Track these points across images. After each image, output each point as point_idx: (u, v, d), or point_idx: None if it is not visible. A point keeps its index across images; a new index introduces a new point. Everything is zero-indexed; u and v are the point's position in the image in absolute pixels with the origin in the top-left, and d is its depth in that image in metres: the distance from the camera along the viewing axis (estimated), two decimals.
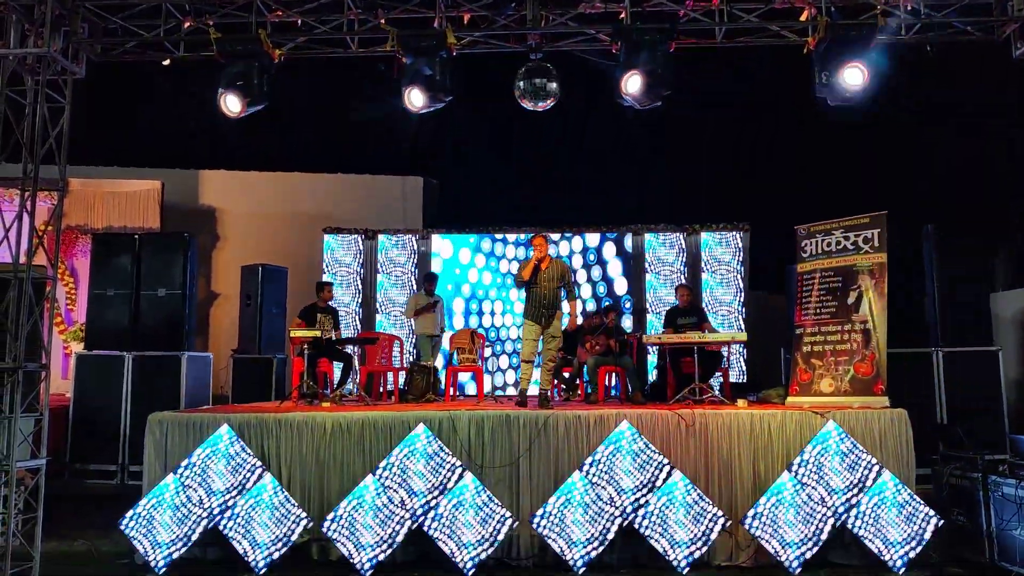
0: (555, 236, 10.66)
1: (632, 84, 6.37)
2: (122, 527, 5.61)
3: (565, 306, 6.83)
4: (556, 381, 8.10)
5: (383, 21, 6.59)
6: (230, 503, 5.63)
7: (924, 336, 7.91)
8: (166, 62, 6.82)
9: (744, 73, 9.64)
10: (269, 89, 6.64)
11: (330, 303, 8.41)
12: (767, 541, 5.44)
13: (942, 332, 7.83)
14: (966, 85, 9.16)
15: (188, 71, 7.23)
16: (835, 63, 6.35)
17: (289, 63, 6.85)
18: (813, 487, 5.54)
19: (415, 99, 6.57)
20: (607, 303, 9.90)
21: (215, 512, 5.60)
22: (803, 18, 6.50)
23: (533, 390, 6.96)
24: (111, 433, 8.35)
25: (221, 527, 5.57)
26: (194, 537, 5.57)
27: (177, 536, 5.56)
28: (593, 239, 10.63)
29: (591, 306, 10.32)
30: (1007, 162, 9.79)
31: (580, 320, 8.28)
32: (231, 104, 6.57)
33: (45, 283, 6.13)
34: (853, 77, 6.31)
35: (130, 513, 5.64)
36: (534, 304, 6.72)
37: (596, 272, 10.59)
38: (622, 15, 6.47)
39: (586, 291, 10.60)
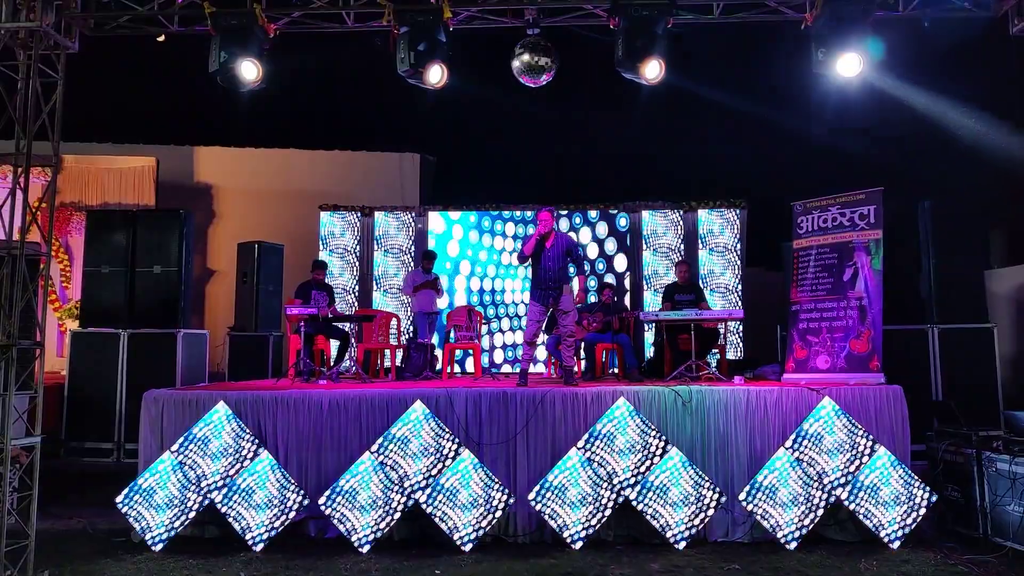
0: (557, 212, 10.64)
1: (651, 70, 6.28)
2: (118, 505, 5.63)
3: (574, 282, 6.74)
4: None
5: None
6: (227, 481, 5.65)
7: (919, 313, 7.93)
8: (161, 38, 6.73)
9: (740, 48, 9.56)
10: (266, 65, 6.56)
11: (325, 280, 8.39)
12: (763, 517, 5.48)
13: (938, 309, 7.84)
14: (963, 61, 9.09)
15: (182, 46, 7.13)
16: (833, 39, 6.28)
17: (284, 38, 6.77)
18: (809, 463, 5.57)
19: (432, 76, 6.46)
20: (606, 281, 9.89)
21: (211, 490, 5.62)
22: None
23: (533, 369, 6.95)
24: (106, 411, 8.36)
25: (218, 505, 5.59)
26: (191, 515, 5.59)
27: (173, 514, 5.58)
28: (590, 216, 10.60)
29: (592, 282, 10.32)
30: (1003, 138, 9.75)
31: (588, 295, 8.20)
32: (246, 72, 6.46)
33: (39, 260, 6.10)
34: (849, 65, 6.27)
35: (126, 491, 5.66)
36: (539, 283, 6.61)
37: (593, 249, 10.57)
38: None
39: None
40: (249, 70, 6.44)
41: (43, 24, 5.75)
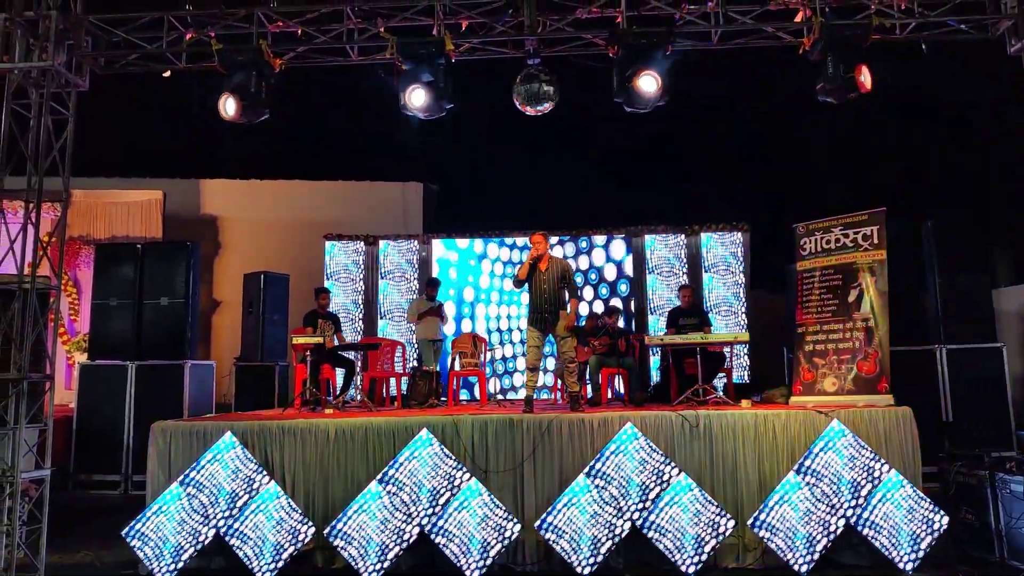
0: (554, 239, 10.68)
1: (647, 83, 6.31)
2: (126, 537, 5.62)
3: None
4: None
5: (382, 29, 6.62)
6: (234, 512, 5.63)
7: (926, 333, 7.89)
8: (167, 73, 6.86)
9: (742, 73, 9.66)
10: (269, 98, 6.66)
11: (328, 308, 8.42)
12: (774, 543, 5.42)
13: (945, 329, 7.81)
14: (964, 82, 9.16)
15: (189, 81, 7.26)
16: (833, 62, 6.35)
17: (290, 71, 6.88)
18: (819, 487, 5.52)
19: (416, 100, 6.54)
20: (611, 305, 9.90)
21: (219, 521, 5.60)
22: (798, 19, 6.52)
23: (539, 395, 6.92)
24: (115, 443, 8.36)
25: (225, 536, 5.57)
26: (198, 547, 5.56)
27: (181, 546, 5.55)
28: (594, 240, 10.64)
29: (598, 307, 10.33)
30: (1005, 158, 9.78)
31: (581, 318, 8.21)
32: (228, 108, 6.57)
33: (49, 294, 6.15)
34: (863, 78, 6.29)
35: (133, 523, 5.64)
36: (534, 307, 6.58)
37: (596, 274, 10.59)
38: (618, 19, 6.49)
39: (587, 293, 10.60)
40: (230, 107, 6.53)
41: (55, 63, 5.88)
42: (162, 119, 11.16)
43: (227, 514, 5.62)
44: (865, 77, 6.27)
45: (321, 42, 6.73)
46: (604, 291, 10.53)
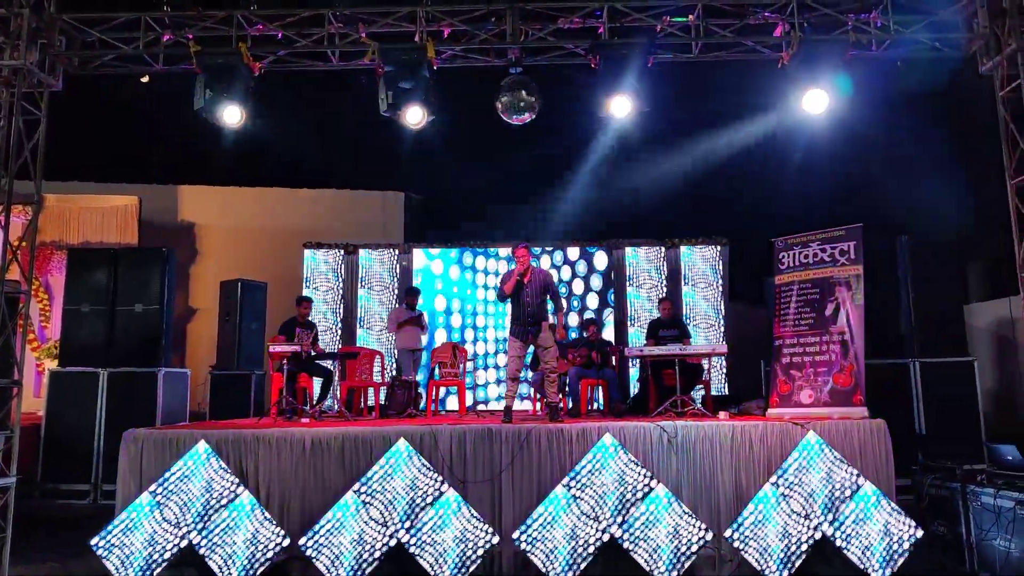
0: (536, 249, 10.67)
1: (619, 107, 6.42)
2: (94, 547, 5.50)
3: (551, 318, 6.74)
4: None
5: (364, 35, 6.60)
6: (207, 522, 5.54)
7: (901, 347, 7.98)
8: (145, 78, 6.80)
9: (721, 87, 9.74)
10: (252, 103, 6.62)
11: (308, 318, 8.34)
12: (750, 554, 5.43)
13: (918, 343, 7.90)
14: (936, 100, 9.30)
15: (166, 84, 7.20)
16: (808, 78, 6.46)
17: (269, 76, 6.84)
18: (795, 499, 5.55)
19: (412, 118, 6.55)
20: (589, 316, 9.92)
21: (191, 531, 5.51)
22: (776, 34, 6.61)
23: (517, 406, 6.90)
24: (84, 451, 8.18)
25: (197, 546, 5.48)
26: (169, 557, 5.46)
27: (151, 556, 5.45)
28: (574, 253, 10.67)
29: (573, 320, 10.33)
30: (976, 175, 9.93)
31: (569, 331, 8.23)
32: (229, 116, 6.53)
33: (18, 298, 6.04)
34: (815, 102, 6.46)
35: (103, 533, 5.53)
36: (517, 319, 6.62)
37: (577, 286, 10.60)
38: (600, 30, 6.54)
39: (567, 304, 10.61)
40: (232, 114, 6.50)
41: (27, 62, 5.80)
42: (139, 123, 11.02)
43: (199, 524, 5.53)
44: (813, 103, 6.42)
45: (301, 46, 6.70)
46: (575, 303, 10.53)
